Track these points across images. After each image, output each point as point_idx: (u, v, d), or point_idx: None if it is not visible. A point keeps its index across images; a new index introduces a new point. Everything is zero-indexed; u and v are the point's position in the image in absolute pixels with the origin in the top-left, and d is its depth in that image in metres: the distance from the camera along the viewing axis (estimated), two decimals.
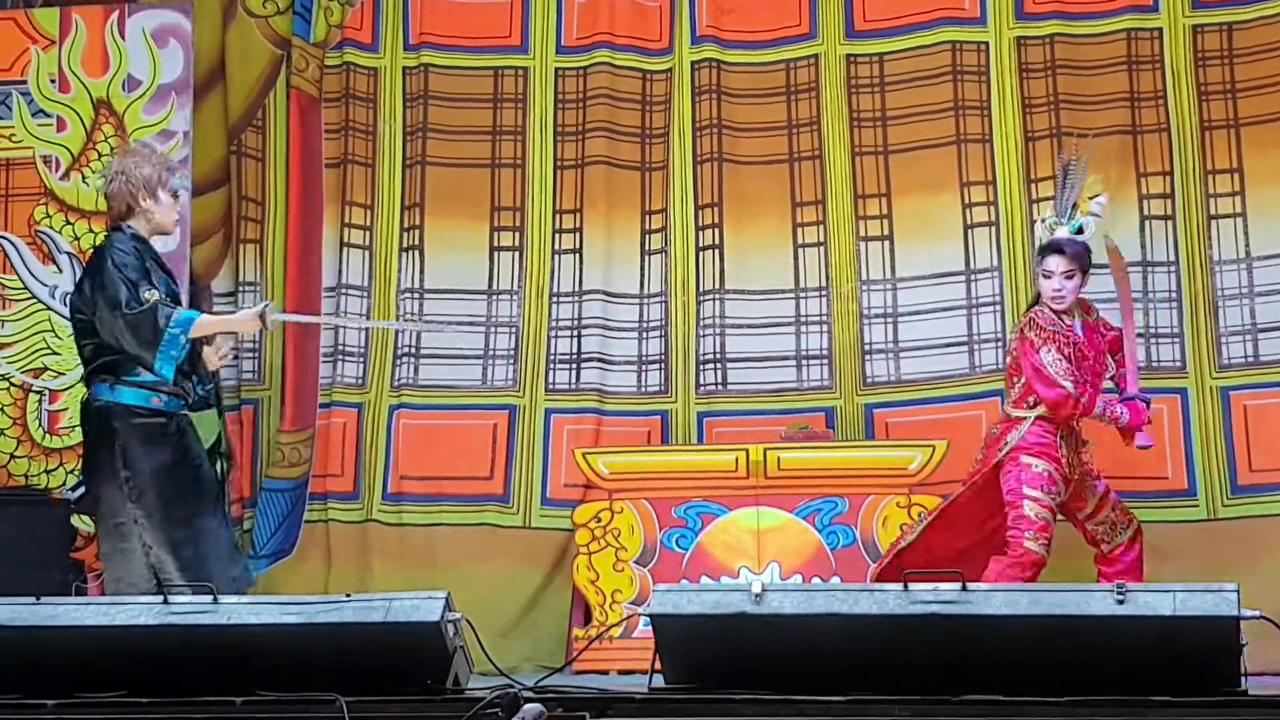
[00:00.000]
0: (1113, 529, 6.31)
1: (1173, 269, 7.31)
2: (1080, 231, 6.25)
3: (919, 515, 6.74)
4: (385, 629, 4.08)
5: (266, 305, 5.64)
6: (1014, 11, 7.61)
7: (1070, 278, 6.17)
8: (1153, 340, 7.21)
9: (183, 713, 4.04)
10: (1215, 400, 7.19)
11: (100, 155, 7.39)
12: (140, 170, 5.41)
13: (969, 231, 7.52)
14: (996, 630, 3.91)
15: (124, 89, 7.43)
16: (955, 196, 7.55)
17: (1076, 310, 6.27)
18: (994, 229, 7.49)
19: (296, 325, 7.75)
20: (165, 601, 4.21)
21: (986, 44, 7.63)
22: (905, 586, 4.00)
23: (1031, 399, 6.14)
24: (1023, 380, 6.18)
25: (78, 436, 6.93)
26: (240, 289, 7.90)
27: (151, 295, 5.30)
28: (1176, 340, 7.29)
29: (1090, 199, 6.29)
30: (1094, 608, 3.85)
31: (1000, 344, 7.36)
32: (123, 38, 7.46)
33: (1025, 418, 6.13)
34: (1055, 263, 6.17)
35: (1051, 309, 6.17)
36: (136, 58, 7.42)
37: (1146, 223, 7.36)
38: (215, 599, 4.17)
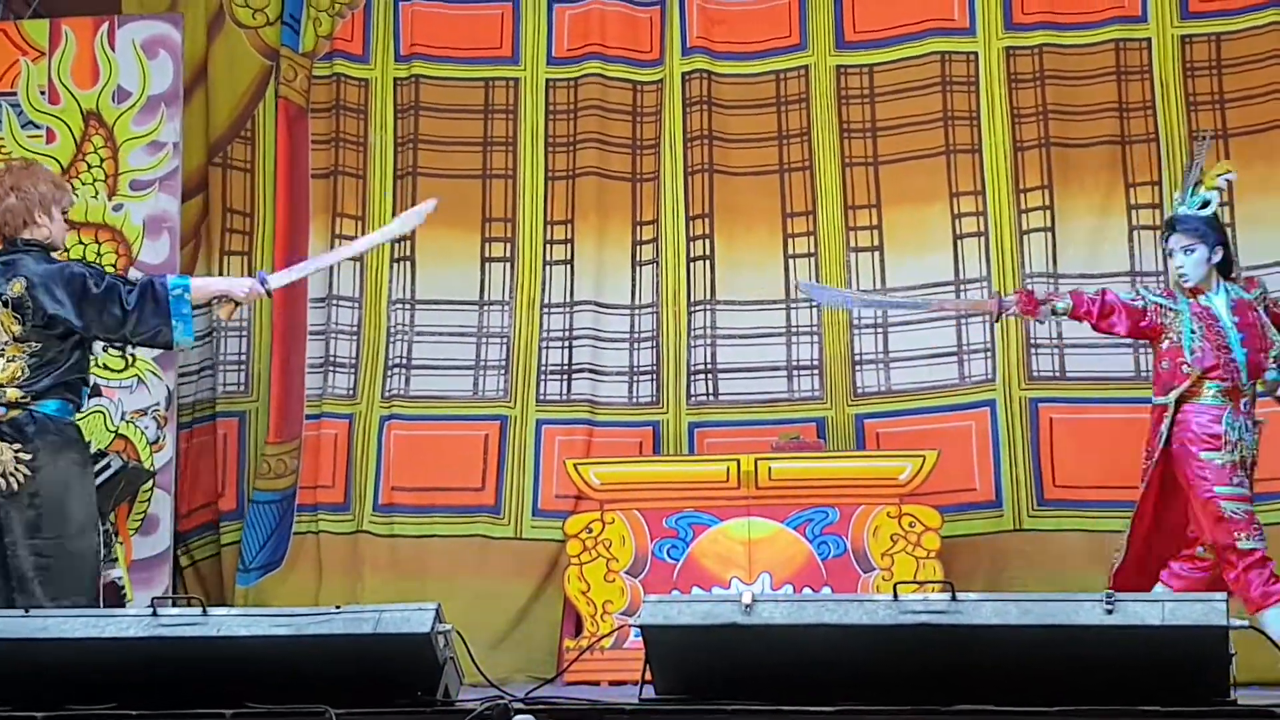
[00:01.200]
0: None
1: (1162, 279, 7.32)
2: (1205, 206, 5.96)
3: (908, 525, 6.76)
4: (375, 641, 4.07)
5: (261, 274, 5.62)
6: (1003, 22, 7.64)
7: (1190, 252, 5.89)
8: (1143, 349, 7.22)
9: None
10: None
11: (90, 167, 7.38)
12: (37, 187, 5.36)
13: (958, 242, 7.53)
14: (986, 640, 3.91)
15: (114, 100, 7.43)
16: (945, 207, 7.56)
17: (1221, 284, 5.95)
18: (983, 239, 7.51)
19: (282, 337, 7.75)
20: (155, 614, 4.20)
21: (975, 54, 7.66)
22: (895, 596, 4.00)
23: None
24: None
25: None
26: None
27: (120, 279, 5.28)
28: None
29: (1218, 175, 6.04)
30: (1083, 617, 3.85)
31: (989, 354, 7.38)
32: (112, 49, 7.45)
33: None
34: (1173, 240, 5.92)
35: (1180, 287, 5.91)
36: (126, 69, 7.42)
37: (1135, 232, 7.38)
38: (204, 611, 4.16)
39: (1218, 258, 5.91)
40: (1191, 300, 5.88)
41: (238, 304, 5.47)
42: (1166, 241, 5.99)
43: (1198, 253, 5.89)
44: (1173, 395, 5.81)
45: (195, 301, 5.27)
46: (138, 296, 5.17)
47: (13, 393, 5.14)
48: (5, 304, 5.16)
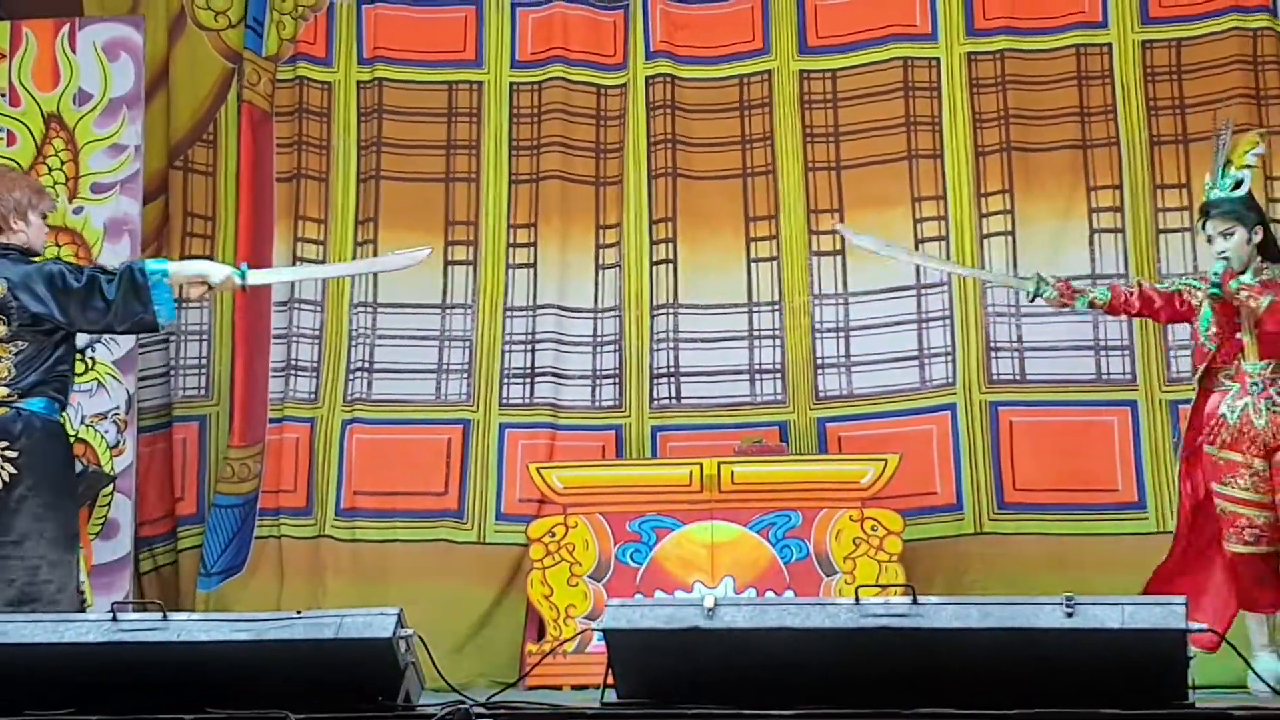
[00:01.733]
0: None
1: (1122, 283, 7.36)
2: (1239, 185, 5.76)
3: (870, 528, 6.78)
4: (337, 646, 4.06)
5: (244, 266, 5.65)
6: (964, 27, 7.67)
7: (1229, 235, 5.71)
8: (1103, 352, 7.26)
9: None
10: (1164, 412, 7.24)
11: (50, 170, 7.34)
12: (11, 193, 5.42)
13: (920, 246, 7.55)
14: (947, 643, 3.92)
15: (75, 103, 7.39)
16: (907, 211, 7.59)
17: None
18: (944, 243, 7.53)
19: (244, 341, 7.73)
20: (115, 619, 4.19)
21: (938, 60, 7.69)
22: (857, 600, 4.01)
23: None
24: None
25: None
26: (184, 305, 7.85)
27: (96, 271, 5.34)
28: (1127, 352, 7.33)
29: (1246, 151, 5.84)
30: (1043, 620, 3.87)
31: (950, 358, 7.41)
32: (74, 51, 7.42)
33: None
34: (1210, 226, 5.75)
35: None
36: (87, 71, 7.38)
37: (1096, 236, 7.41)
38: (165, 616, 4.15)
39: (1258, 237, 5.72)
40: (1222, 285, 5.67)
41: (210, 288, 5.51)
42: (1203, 229, 5.83)
43: (1237, 235, 5.70)
44: (1195, 379, 5.79)
45: (174, 284, 5.33)
46: (118, 286, 5.23)
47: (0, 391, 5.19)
48: None
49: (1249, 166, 5.81)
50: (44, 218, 5.51)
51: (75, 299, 5.23)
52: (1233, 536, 5.61)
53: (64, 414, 5.36)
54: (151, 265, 5.34)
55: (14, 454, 5.16)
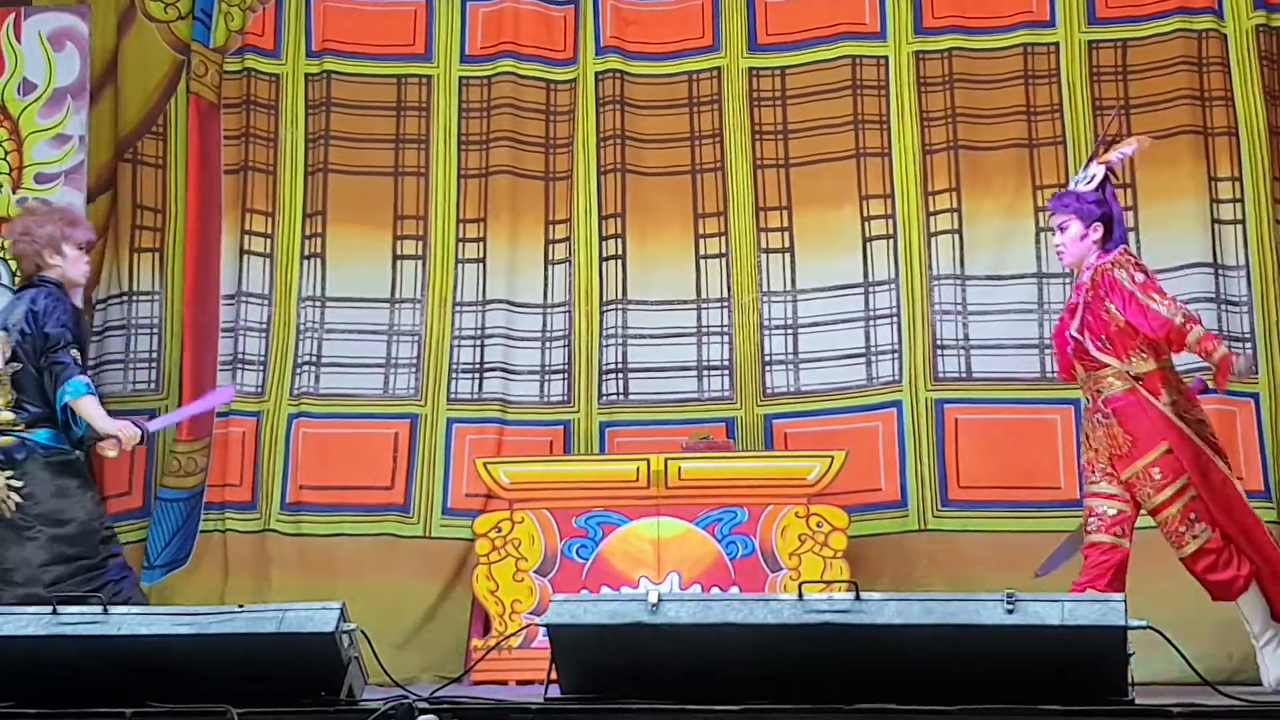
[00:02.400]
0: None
1: (1068, 280, 7.40)
2: (1093, 181, 5.63)
3: (816, 524, 6.80)
4: (279, 640, 4.05)
5: (142, 423, 5.98)
6: (913, 26, 7.69)
7: (1064, 229, 5.63)
8: (1047, 351, 7.28)
9: None
10: None
11: None
12: (42, 229, 5.61)
13: (867, 244, 7.58)
14: (889, 639, 3.95)
15: (19, 92, 7.33)
16: (855, 209, 7.61)
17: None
18: (892, 242, 7.56)
19: (193, 335, 7.70)
20: (54, 612, 4.16)
21: (886, 59, 7.71)
22: (800, 596, 4.03)
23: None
24: None
25: None
26: (135, 298, 7.81)
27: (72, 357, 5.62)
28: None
29: (1115, 148, 5.75)
30: (984, 617, 3.89)
31: (896, 355, 7.44)
32: (18, 40, 7.36)
33: None
34: (1052, 219, 5.71)
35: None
36: (32, 61, 7.33)
37: (1042, 235, 7.44)
38: (105, 609, 4.13)
39: (1097, 234, 5.61)
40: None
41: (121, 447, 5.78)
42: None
43: (1071, 228, 5.62)
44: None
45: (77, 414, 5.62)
46: (53, 380, 5.57)
47: (6, 416, 5.46)
48: (5, 329, 5.55)
49: (1110, 161, 5.74)
50: (80, 248, 5.74)
51: (48, 363, 5.58)
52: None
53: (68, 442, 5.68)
54: (68, 388, 5.57)
55: (19, 483, 5.51)
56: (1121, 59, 7.50)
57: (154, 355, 7.80)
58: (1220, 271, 7.27)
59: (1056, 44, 7.57)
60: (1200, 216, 7.28)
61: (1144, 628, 3.91)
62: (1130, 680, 3.95)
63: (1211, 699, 4.13)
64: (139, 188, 7.87)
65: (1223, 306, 7.23)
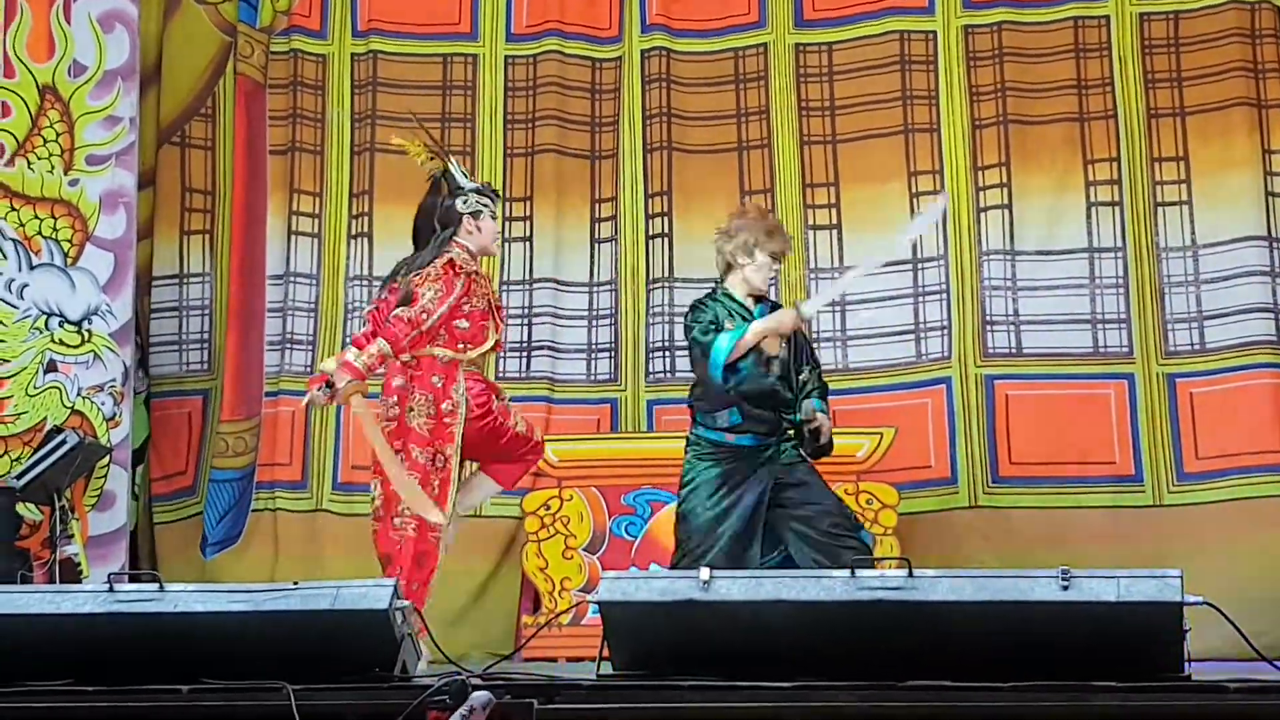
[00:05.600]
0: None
1: (1120, 255, 7.37)
2: None
3: (866, 501, 6.78)
4: (333, 616, 4.05)
5: (797, 303, 5.92)
6: (961, 1, 7.64)
7: None
8: (1100, 326, 7.26)
9: (129, 701, 4.00)
10: (1162, 386, 7.25)
11: (45, 141, 7.32)
12: (739, 234, 5.78)
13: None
14: (942, 616, 3.92)
15: (69, 75, 7.35)
16: (903, 185, 7.59)
17: None
18: (941, 217, 7.52)
19: (238, 316, 7.74)
20: (111, 590, 4.18)
21: (934, 33, 7.67)
22: (852, 573, 4.01)
23: None
24: None
25: (23, 424, 6.91)
26: (187, 280, 7.84)
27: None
28: (1124, 326, 7.34)
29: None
30: (1038, 594, 3.86)
31: (946, 332, 7.41)
32: (68, 23, 7.38)
33: None
34: None
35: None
36: (82, 43, 7.34)
37: (1093, 209, 7.42)
38: (161, 587, 4.15)
39: None
40: None
41: (784, 339, 5.76)
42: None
43: None
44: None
45: (739, 351, 5.69)
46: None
47: None
48: None
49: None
50: (774, 258, 5.80)
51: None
52: None
53: None
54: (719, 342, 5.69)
55: None
56: (1174, 31, 7.44)
57: (205, 336, 7.84)
58: (1275, 244, 7.22)
59: (1107, 17, 7.52)
60: (1254, 189, 7.23)
61: (1201, 604, 3.88)
62: (1187, 656, 3.93)
63: (1270, 675, 4.10)
64: (188, 170, 7.90)
65: (1277, 280, 7.18)
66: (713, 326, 5.75)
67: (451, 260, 5.52)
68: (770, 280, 5.93)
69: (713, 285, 5.94)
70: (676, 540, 5.78)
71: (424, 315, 5.42)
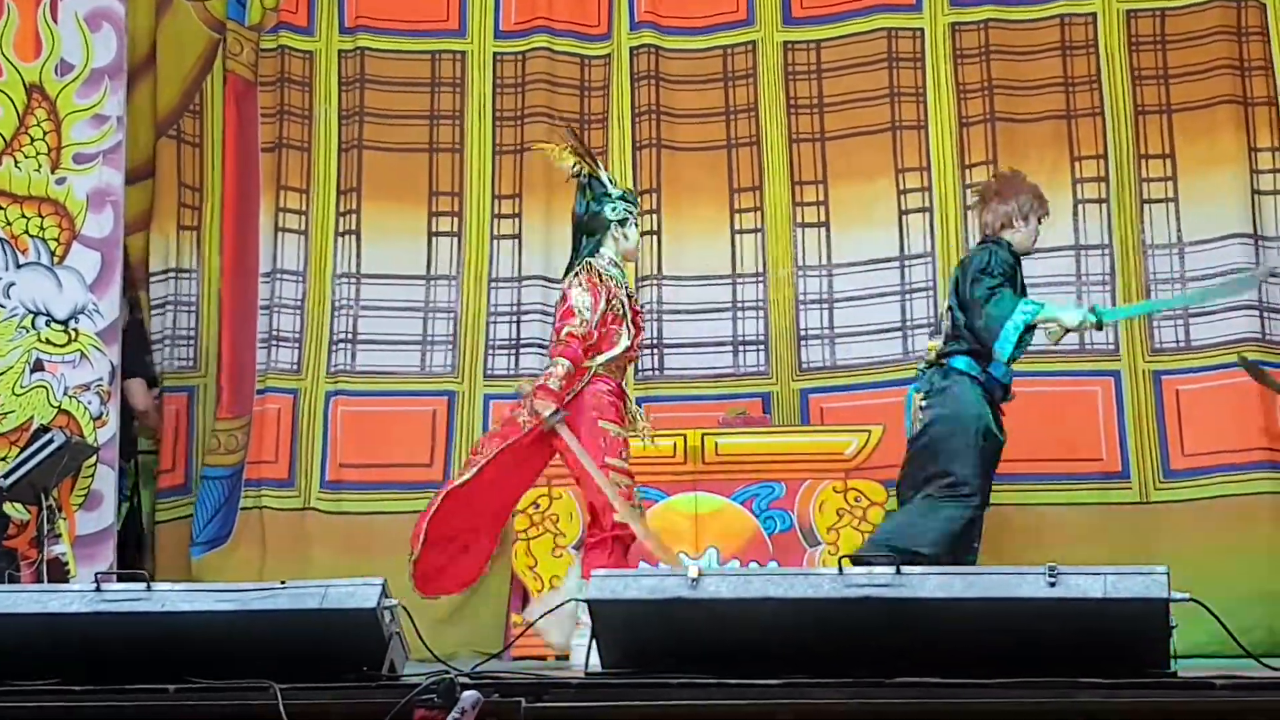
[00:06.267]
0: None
1: (1106, 253, 7.38)
2: None
3: (854, 499, 6.79)
4: (320, 616, 4.06)
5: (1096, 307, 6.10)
6: None
7: None
8: None
9: (116, 700, 4.00)
10: (1148, 383, 7.26)
11: (32, 140, 7.30)
12: (1018, 196, 6.07)
13: (903, 218, 7.57)
14: (930, 613, 3.93)
15: (56, 73, 7.33)
16: (890, 183, 7.60)
17: None
18: (928, 215, 7.54)
19: (231, 312, 7.73)
20: (98, 589, 4.18)
21: (922, 30, 7.68)
22: (840, 570, 4.02)
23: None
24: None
25: (10, 423, 6.90)
26: (178, 275, 7.84)
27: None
28: (1110, 324, 7.34)
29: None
30: (1026, 590, 3.87)
31: (933, 329, 7.41)
32: (55, 21, 7.35)
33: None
34: None
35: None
36: (69, 42, 7.32)
37: (1080, 206, 7.43)
38: (148, 586, 4.15)
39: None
40: None
41: (1067, 331, 5.91)
42: None
43: None
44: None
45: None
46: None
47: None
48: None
49: None
50: (1039, 222, 6.13)
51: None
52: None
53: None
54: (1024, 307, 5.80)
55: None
56: (1160, 28, 7.45)
57: (192, 333, 7.83)
58: (1260, 242, 7.23)
59: (1094, 14, 7.53)
60: (1240, 187, 7.23)
61: (1187, 600, 3.89)
62: (1173, 653, 3.93)
63: (1256, 671, 4.11)
64: (181, 166, 7.90)
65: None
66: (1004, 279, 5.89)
67: (590, 264, 5.68)
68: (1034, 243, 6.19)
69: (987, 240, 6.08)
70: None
71: (584, 326, 5.57)
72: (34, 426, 6.90)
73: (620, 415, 5.72)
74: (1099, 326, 6.02)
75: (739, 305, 7.70)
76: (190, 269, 7.86)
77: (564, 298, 5.71)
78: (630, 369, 6.36)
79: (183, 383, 7.78)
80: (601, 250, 5.76)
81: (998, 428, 5.93)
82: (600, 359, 5.68)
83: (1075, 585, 3.86)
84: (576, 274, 5.70)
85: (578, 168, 5.90)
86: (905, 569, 3.99)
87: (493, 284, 7.82)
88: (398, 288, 7.83)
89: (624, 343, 5.74)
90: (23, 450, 6.75)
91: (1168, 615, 3.86)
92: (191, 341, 7.84)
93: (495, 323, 7.80)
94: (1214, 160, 7.24)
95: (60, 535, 6.76)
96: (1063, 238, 7.36)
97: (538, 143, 6.08)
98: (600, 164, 5.97)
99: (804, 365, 7.57)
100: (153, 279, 7.82)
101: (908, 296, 7.51)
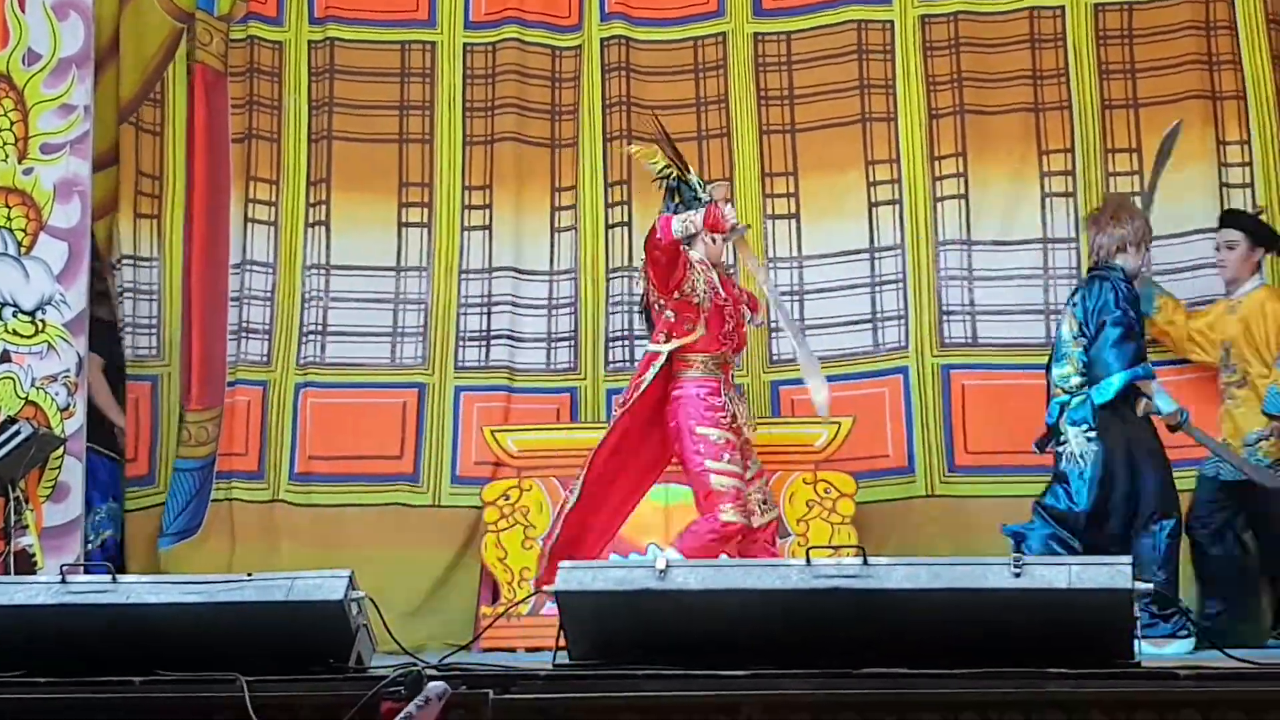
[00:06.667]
0: (764, 503, 6.11)
1: (1073, 246, 7.39)
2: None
3: (824, 490, 6.80)
4: (287, 608, 4.06)
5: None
6: None
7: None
8: (1054, 316, 7.28)
9: (82, 693, 4.00)
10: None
11: (0, 130, 7.27)
12: (1134, 221, 6.41)
13: (873, 210, 7.58)
14: (897, 604, 3.95)
15: (24, 63, 7.29)
16: (861, 175, 7.60)
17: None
18: (898, 207, 7.55)
19: (200, 303, 7.71)
20: (64, 581, 4.17)
21: (891, 23, 7.69)
22: (808, 561, 4.03)
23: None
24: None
25: None
26: (136, 263, 7.79)
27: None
28: None
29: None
30: (991, 581, 3.90)
31: (903, 321, 7.44)
32: (22, 11, 7.31)
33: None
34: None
35: None
36: (36, 31, 7.28)
37: (1048, 199, 7.44)
38: (114, 578, 4.14)
39: None
40: None
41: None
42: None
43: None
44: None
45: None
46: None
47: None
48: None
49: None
50: (1147, 250, 6.54)
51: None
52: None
53: None
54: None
55: None
56: (1128, 23, 7.47)
57: (154, 321, 7.79)
58: None
59: (1063, 8, 7.54)
60: (1209, 181, 7.26)
61: (1150, 591, 3.92)
62: (1137, 643, 3.96)
63: (1218, 661, 4.15)
64: (140, 154, 7.85)
65: None
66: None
67: None
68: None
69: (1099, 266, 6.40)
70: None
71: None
72: (1, 418, 6.87)
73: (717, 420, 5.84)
74: (1174, 429, 6.33)
75: None
76: (150, 257, 7.81)
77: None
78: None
79: (145, 371, 7.74)
80: (691, 255, 5.83)
81: None
82: (672, 344, 5.89)
83: (1040, 576, 3.89)
84: None
85: (666, 170, 5.94)
86: (872, 559, 4.01)
87: (463, 275, 7.81)
88: (368, 279, 7.81)
89: (699, 331, 5.88)
90: None
91: (1131, 605, 3.89)
92: (153, 330, 7.79)
93: (466, 314, 7.79)
94: (1183, 155, 7.24)
95: (27, 527, 6.73)
96: (1031, 231, 7.39)
97: (635, 137, 6.15)
98: (689, 167, 6.01)
99: (774, 357, 7.57)
100: (113, 266, 7.77)
101: (878, 288, 7.52)
